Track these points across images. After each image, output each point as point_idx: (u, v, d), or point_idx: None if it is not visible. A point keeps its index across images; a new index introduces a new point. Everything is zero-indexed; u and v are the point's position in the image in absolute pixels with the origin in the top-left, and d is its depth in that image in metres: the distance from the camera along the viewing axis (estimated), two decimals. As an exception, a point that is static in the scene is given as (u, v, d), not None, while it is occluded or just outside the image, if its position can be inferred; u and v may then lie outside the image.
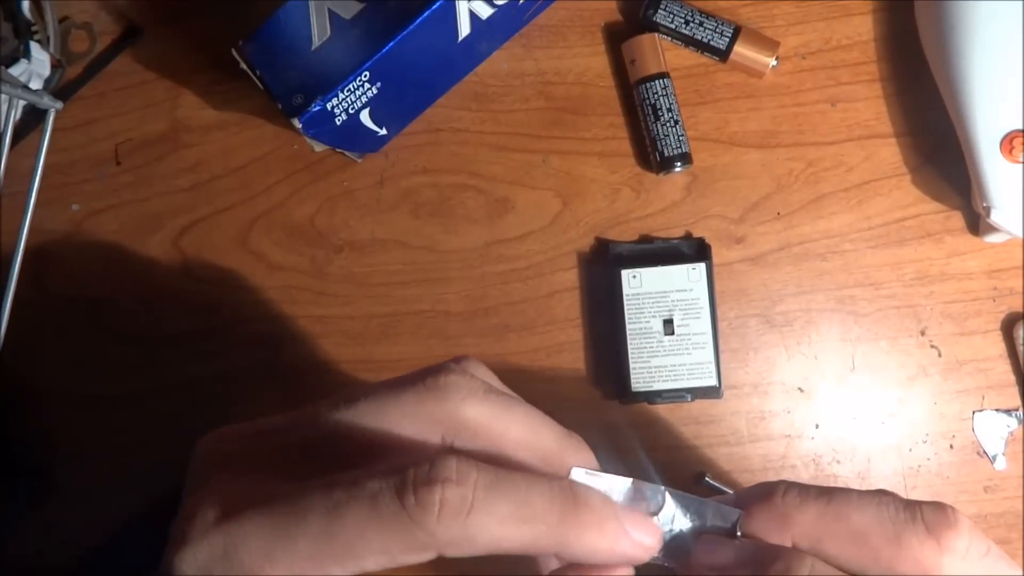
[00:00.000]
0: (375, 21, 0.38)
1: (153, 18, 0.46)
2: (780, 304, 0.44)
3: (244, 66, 0.38)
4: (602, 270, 0.43)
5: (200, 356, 0.44)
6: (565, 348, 0.44)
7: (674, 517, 0.25)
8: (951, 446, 0.43)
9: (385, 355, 0.44)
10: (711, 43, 0.43)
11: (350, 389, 0.26)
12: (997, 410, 0.43)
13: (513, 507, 0.22)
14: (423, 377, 0.25)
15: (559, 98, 0.45)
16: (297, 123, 0.37)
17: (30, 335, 0.43)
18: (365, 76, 0.38)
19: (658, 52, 0.43)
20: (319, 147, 0.44)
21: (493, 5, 0.41)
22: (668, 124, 0.43)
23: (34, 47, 0.43)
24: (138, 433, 0.43)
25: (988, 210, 0.40)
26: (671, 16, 0.43)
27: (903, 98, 0.44)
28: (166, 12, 0.46)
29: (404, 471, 0.22)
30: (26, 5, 0.43)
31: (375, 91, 0.39)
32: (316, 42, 0.38)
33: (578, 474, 0.25)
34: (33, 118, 0.44)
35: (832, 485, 0.25)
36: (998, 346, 0.43)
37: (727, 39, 0.43)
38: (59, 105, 0.43)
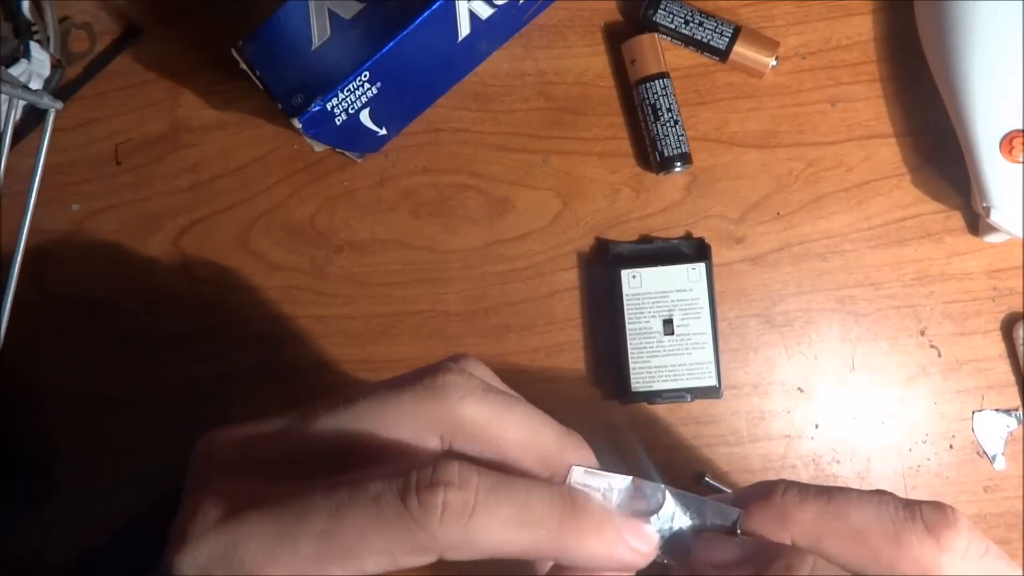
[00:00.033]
0: (375, 21, 0.38)
1: (153, 18, 0.46)
2: (780, 304, 0.44)
3: (244, 66, 0.38)
4: (602, 270, 0.43)
5: (200, 356, 0.44)
6: (565, 348, 0.44)
7: (674, 515, 0.25)
8: (951, 446, 0.43)
9: (385, 355, 0.44)
10: (711, 43, 0.43)
11: (349, 389, 0.26)
12: (997, 410, 0.43)
13: (514, 511, 0.23)
14: (421, 377, 0.25)
15: (559, 98, 0.45)
16: (297, 123, 0.37)
17: (30, 335, 0.43)
18: (365, 76, 0.38)
19: (658, 52, 0.43)
20: (319, 147, 0.44)
21: (493, 5, 0.41)
22: (668, 124, 0.43)
23: (34, 47, 0.43)
24: (138, 433, 0.43)
25: (988, 210, 0.40)
26: (671, 16, 0.43)
27: (903, 98, 0.44)
28: (166, 12, 0.46)
29: (406, 473, 0.22)
30: (26, 5, 0.43)
31: (375, 91, 0.39)
32: (316, 42, 0.38)
33: (578, 472, 0.25)
34: (33, 118, 0.44)
35: (832, 485, 0.25)
36: (998, 346, 0.43)
37: (727, 39, 0.43)
38: (59, 105, 0.43)
